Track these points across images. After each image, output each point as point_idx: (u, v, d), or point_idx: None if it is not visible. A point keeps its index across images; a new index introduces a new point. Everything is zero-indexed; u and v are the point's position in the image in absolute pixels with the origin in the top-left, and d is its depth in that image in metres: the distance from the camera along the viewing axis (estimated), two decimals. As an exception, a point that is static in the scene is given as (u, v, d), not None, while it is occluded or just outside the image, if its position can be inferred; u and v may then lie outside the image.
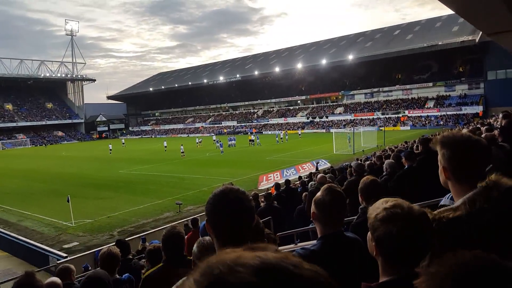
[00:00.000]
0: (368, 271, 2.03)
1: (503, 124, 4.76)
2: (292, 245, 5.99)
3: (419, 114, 58.02)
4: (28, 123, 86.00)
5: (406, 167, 5.33)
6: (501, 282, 0.65)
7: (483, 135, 4.34)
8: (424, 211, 1.18)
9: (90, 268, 9.14)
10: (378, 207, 1.20)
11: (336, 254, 1.90)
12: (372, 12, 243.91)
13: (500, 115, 6.30)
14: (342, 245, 1.96)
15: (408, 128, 55.06)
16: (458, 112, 53.74)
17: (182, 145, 38.62)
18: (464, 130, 5.73)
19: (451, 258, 0.71)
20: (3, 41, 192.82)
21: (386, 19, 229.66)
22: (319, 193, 2.02)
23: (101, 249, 10.19)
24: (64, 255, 11.18)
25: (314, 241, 2.07)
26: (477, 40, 46.55)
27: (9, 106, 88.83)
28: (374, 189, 2.51)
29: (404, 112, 59.87)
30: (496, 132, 4.85)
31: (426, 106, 58.94)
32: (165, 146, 45.24)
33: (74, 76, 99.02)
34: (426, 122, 55.01)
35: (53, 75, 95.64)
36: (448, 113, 54.57)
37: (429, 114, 56.88)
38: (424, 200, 3.91)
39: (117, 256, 3.35)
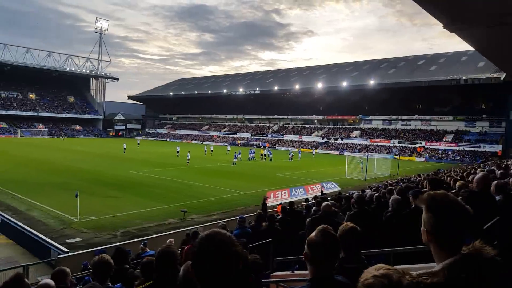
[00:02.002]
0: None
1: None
2: (288, 272, 5.92)
3: (436, 147, 57.05)
4: (49, 114, 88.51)
5: (413, 206, 5.23)
6: None
7: (494, 182, 4.23)
8: (415, 285, 1.15)
9: (89, 266, 9.21)
10: (369, 272, 1.19)
11: None
12: (399, 40, 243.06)
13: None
14: None
15: (423, 159, 54.10)
16: (476, 149, 52.61)
17: (189, 152, 38.93)
18: (479, 171, 5.62)
19: None
20: (33, 32, 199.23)
21: (413, 47, 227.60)
22: (313, 234, 2.01)
23: (102, 249, 10.28)
24: (66, 250, 11.30)
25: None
26: (502, 79, 45.80)
27: (32, 96, 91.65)
28: (351, 237, 2.45)
29: (421, 143, 58.97)
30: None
31: (444, 139, 58.00)
32: (178, 152, 45.65)
33: (98, 73, 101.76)
34: (443, 155, 53.98)
35: (78, 70, 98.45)
36: (466, 148, 53.52)
37: (446, 147, 55.87)
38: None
39: (110, 264, 3.37)
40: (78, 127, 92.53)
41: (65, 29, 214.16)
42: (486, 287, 1.33)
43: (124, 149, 47.87)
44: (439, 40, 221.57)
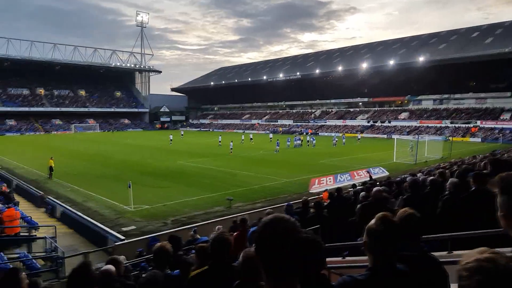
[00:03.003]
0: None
1: None
2: (339, 258, 5.80)
3: (492, 126, 52.91)
4: (98, 109, 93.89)
5: (473, 188, 4.84)
6: None
7: None
8: None
9: (144, 253, 9.72)
10: (471, 256, 1.10)
11: (383, 286, 1.81)
12: (451, 10, 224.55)
13: None
14: (391, 278, 1.85)
15: (479, 140, 50.43)
16: (537, 127, 48.05)
17: (232, 141, 39.33)
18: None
19: None
20: (78, 31, 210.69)
21: (466, 18, 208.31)
22: (372, 222, 1.95)
23: (154, 236, 10.77)
24: (122, 237, 11.99)
25: (364, 257, 1.98)
26: None
27: (82, 92, 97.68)
28: (410, 224, 2.32)
29: (475, 123, 54.96)
30: None
31: (501, 118, 53.59)
32: (220, 141, 46.39)
33: (141, 66, 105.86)
34: (500, 135, 49.91)
35: (123, 65, 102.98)
36: (527, 127, 49.11)
37: (504, 126, 51.58)
38: (495, 228, 3.51)
39: (169, 252, 3.52)
40: (126, 121, 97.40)
41: (107, 25, 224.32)
42: None
43: (171, 140, 49.67)
44: (495, 8, 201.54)
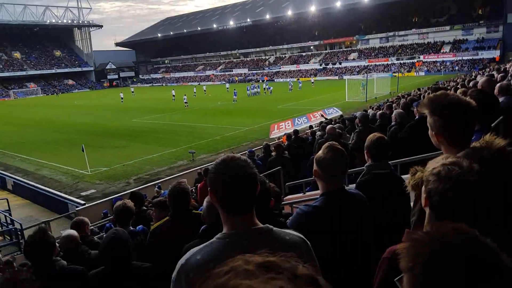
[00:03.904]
0: (373, 228, 2.09)
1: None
2: (300, 194, 6.17)
3: (434, 60, 55.79)
4: (38, 72, 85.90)
5: (417, 117, 5.22)
6: (473, 260, 0.67)
7: (498, 84, 4.17)
8: (480, 172, 1.14)
9: (109, 214, 9.66)
10: (437, 161, 1.19)
11: (338, 209, 1.94)
12: None
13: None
14: (344, 200, 1.99)
15: (423, 74, 53.24)
16: (474, 57, 51.42)
17: (185, 95, 37.91)
18: (479, 77, 5.52)
19: (433, 229, 0.75)
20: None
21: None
22: (320, 151, 2.03)
23: (118, 196, 10.66)
24: (83, 202, 11.76)
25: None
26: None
27: (17, 55, 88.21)
28: (381, 147, 2.48)
29: (419, 58, 57.57)
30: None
31: (442, 51, 56.49)
32: (173, 95, 44.69)
33: (80, 22, 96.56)
34: (441, 67, 52.95)
35: (59, 22, 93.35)
36: (464, 58, 52.36)
37: (444, 59, 54.61)
38: (436, 151, 3.87)
39: (131, 209, 3.48)
40: (70, 82, 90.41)
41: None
42: (499, 176, 1.35)
43: (122, 98, 47.32)
44: None
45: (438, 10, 59.11)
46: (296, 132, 9.36)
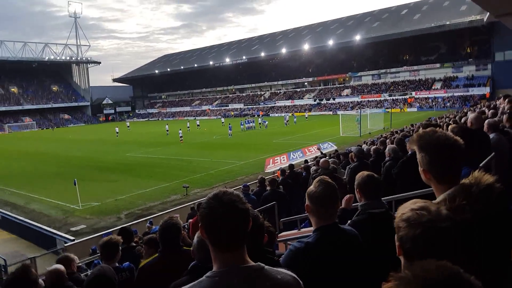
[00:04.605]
0: (367, 267, 2.01)
1: (506, 109, 4.63)
2: (295, 231, 6.03)
3: (426, 96, 57.24)
4: (34, 106, 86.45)
5: (410, 153, 5.24)
6: None
7: (486, 121, 4.23)
8: (451, 217, 1.14)
9: (98, 251, 9.33)
10: (405, 207, 1.19)
11: (332, 246, 1.90)
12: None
13: (503, 100, 6.16)
14: (337, 237, 1.95)
15: (415, 109, 54.36)
16: (465, 94, 52.87)
17: (180, 129, 38.24)
18: (470, 113, 5.61)
19: (418, 266, 0.77)
20: (4, 23, 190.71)
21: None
22: (311, 186, 2.01)
23: (107, 232, 10.37)
24: (72, 238, 11.40)
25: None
26: (485, 20, 45.23)
27: (14, 89, 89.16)
28: (372, 184, 2.44)
29: (411, 94, 59.07)
30: (504, 117, 4.73)
31: (433, 88, 58.11)
32: (167, 130, 44.73)
33: (79, 58, 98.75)
34: (433, 103, 54.24)
35: (58, 58, 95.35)
36: (455, 94, 53.77)
37: (436, 95, 56.03)
38: (429, 187, 3.84)
39: (117, 244, 3.37)
40: (66, 116, 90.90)
41: (36, 17, 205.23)
42: (486, 213, 1.37)
43: (117, 133, 47.42)
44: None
45: (428, 48, 61.46)
46: (291, 166, 9.33)
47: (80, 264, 6.80)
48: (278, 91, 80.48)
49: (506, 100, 5.74)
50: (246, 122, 45.98)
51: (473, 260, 1.27)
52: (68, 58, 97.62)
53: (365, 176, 2.45)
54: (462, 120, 7.99)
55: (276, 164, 19.95)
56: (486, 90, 51.10)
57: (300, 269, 1.82)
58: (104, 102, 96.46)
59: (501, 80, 49.48)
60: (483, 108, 13.32)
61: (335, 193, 1.96)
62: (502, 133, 4.00)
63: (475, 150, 2.98)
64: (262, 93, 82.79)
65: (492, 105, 14.41)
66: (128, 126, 59.89)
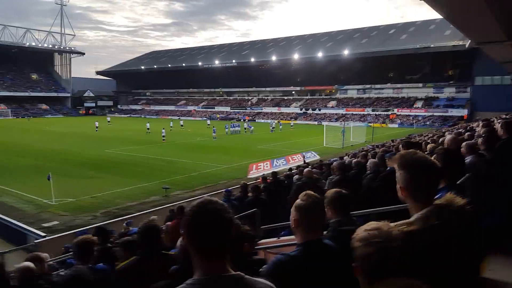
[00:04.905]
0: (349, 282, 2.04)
1: (482, 133, 4.84)
2: (275, 239, 6.04)
3: (407, 113, 58.89)
4: (11, 93, 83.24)
5: (389, 168, 5.37)
6: None
7: (465, 143, 4.38)
8: (402, 234, 1.23)
9: (71, 250, 9.05)
10: (361, 228, 1.27)
11: (316, 261, 1.90)
12: (373, 7, 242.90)
13: (480, 123, 6.43)
14: (322, 252, 1.95)
15: (396, 126, 55.74)
16: (444, 114, 54.79)
17: (164, 128, 37.73)
18: (447, 134, 5.82)
19: (389, 283, 0.84)
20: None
21: (386, 15, 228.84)
22: (298, 200, 2.01)
23: (82, 230, 10.10)
24: (43, 234, 11.03)
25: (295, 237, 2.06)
26: (467, 46, 46.97)
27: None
28: (342, 200, 2.47)
29: (393, 110, 60.63)
30: (479, 140, 4.92)
31: (415, 106, 59.94)
32: (148, 128, 43.48)
33: (62, 47, 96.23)
34: (414, 121, 55.77)
35: (40, 45, 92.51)
36: (435, 114, 55.72)
37: (417, 114, 57.75)
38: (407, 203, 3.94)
39: (91, 243, 3.28)
40: (44, 106, 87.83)
41: (20, 0, 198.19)
42: (457, 233, 1.47)
43: (97, 127, 46.42)
44: (409, 8, 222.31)
45: (412, 68, 63.44)
46: (274, 174, 9.36)
47: (51, 263, 6.60)
48: (266, 98, 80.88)
49: (481, 124, 6.01)
50: (232, 126, 45.93)
51: (443, 277, 1.38)
52: (50, 46, 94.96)
53: (335, 192, 2.47)
54: (440, 140, 8.26)
55: (259, 170, 19.99)
56: (464, 112, 53.02)
57: (283, 281, 1.82)
58: (86, 94, 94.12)
59: (479, 103, 51.51)
60: (460, 130, 13.81)
61: (323, 206, 1.99)
62: (479, 155, 4.16)
63: (454, 171, 3.12)
64: (250, 98, 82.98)
65: (469, 127, 14.97)
66: (109, 121, 58.64)
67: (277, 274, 1.85)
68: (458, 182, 3.42)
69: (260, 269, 2.10)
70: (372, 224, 1.25)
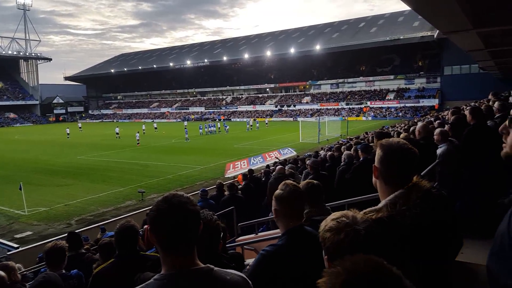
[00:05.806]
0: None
1: (451, 120, 5.03)
2: (252, 235, 6.08)
3: (380, 106, 60.34)
4: (-25, 103, 79.57)
5: (362, 159, 5.52)
6: (377, 285, 0.78)
7: (439, 130, 4.55)
8: (367, 220, 1.23)
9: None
10: (327, 220, 1.25)
11: (302, 247, 1.95)
12: (343, 1, 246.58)
13: (449, 112, 6.71)
14: (306, 238, 1.99)
15: (370, 118, 57.06)
16: (416, 105, 56.43)
17: (138, 132, 36.99)
18: (419, 123, 6.03)
19: (347, 260, 0.84)
20: None
21: (356, 8, 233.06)
22: (278, 190, 2.05)
23: (57, 239, 9.79)
24: (16, 245, 10.62)
25: (276, 230, 2.10)
26: (435, 36, 48.70)
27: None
28: (313, 192, 2.55)
29: (366, 103, 61.95)
30: (447, 127, 5.13)
31: (387, 98, 61.40)
32: (117, 133, 41.86)
33: (27, 54, 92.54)
34: (387, 113, 57.29)
35: (4, 52, 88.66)
36: (407, 105, 57.26)
37: (389, 105, 59.29)
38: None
39: (63, 250, 3.20)
40: (12, 115, 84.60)
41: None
42: (425, 218, 1.47)
43: (68, 134, 44.90)
44: (379, 0, 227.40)
45: (383, 60, 65.15)
46: (251, 171, 9.40)
47: (25, 273, 6.37)
48: (240, 96, 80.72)
49: (450, 111, 6.24)
50: (208, 126, 45.61)
51: (413, 260, 1.39)
52: (15, 53, 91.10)
53: (305, 184, 2.55)
54: (411, 129, 8.56)
55: (237, 169, 19.97)
56: (435, 102, 54.87)
57: (274, 272, 1.85)
58: (55, 101, 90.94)
59: (449, 93, 53.54)
60: (431, 119, 14.34)
61: (301, 194, 2.03)
62: (450, 142, 4.30)
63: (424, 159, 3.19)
64: (224, 97, 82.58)
65: (440, 116, 15.55)
66: (80, 127, 56.78)
67: (268, 265, 1.89)
68: (425, 171, 3.54)
69: (249, 264, 2.12)
70: (337, 214, 1.24)
